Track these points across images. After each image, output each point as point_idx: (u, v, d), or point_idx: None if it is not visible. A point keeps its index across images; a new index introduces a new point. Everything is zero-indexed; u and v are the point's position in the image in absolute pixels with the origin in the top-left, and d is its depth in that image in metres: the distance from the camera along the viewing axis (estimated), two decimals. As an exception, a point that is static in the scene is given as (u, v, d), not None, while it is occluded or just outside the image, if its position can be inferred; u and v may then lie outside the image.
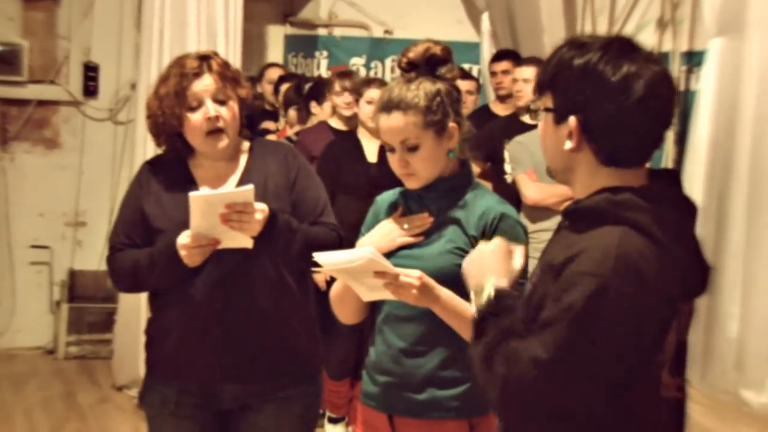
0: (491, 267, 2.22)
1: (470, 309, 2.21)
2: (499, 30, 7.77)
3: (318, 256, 2.62)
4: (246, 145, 3.31)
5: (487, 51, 7.80)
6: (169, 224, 3.13)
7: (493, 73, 6.86)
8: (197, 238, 3.03)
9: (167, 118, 3.14)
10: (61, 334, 7.41)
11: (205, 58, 3.21)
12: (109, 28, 7.68)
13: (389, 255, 2.77)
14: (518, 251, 2.35)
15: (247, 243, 3.06)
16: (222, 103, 3.15)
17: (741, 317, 6.92)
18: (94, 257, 7.60)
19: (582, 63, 2.03)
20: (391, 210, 2.94)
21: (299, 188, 3.25)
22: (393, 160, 2.82)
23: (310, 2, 8.29)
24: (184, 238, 3.05)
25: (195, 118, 3.13)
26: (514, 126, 6.00)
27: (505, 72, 6.63)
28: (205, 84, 3.15)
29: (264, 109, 7.15)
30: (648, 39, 8.30)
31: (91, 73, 7.73)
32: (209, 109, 3.12)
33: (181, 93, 3.13)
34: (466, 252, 2.59)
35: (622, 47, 2.06)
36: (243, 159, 3.27)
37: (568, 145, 2.06)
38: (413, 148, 2.77)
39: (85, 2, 7.67)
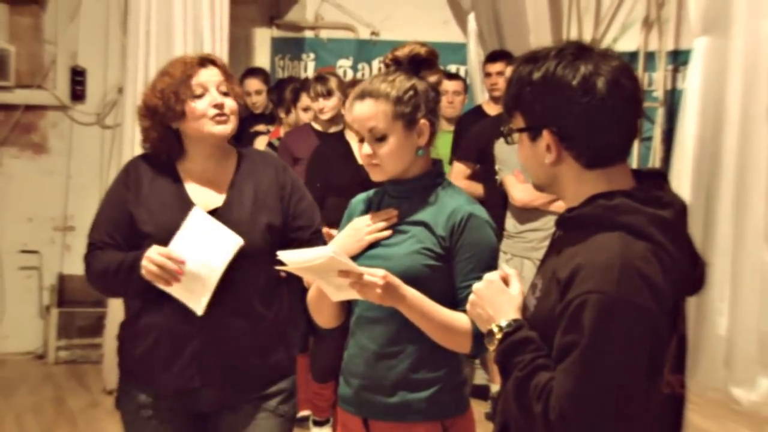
0: (493, 307, 2.18)
1: (438, 309, 2.70)
2: (486, 31, 7.79)
3: (282, 255, 2.62)
4: (235, 152, 3.29)
5: (474, 52, 7.82)
6: (156, 229, 3.11)
7: (487, 74, 6.88)
8: (167, 253, 3.03)
9: (170, 107, 3.12)
10: (50, 338, 7.40)
11: (206, 56, 3.26)
12: (95, 32, 7.68)
13: (358, 256, 2.80)
14: (512, 277, 2.25)
15: (197, 309, 3.10)
16: (225, 95, 3.17)
17: (729, 315, 6.95)
18: (82, 261, 7.57)
19: (540, 75, 2.04)
20: (364, 211, 2.94)
21: (295, 200, 3.24)
22: (361, 150, 2.83)
23: (296, 5, 8.30)
24: (153, 251, 3.04)
25: (200, 104, 3.12)
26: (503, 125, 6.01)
27: (500, 73, 6.65)
28: (211, 73, 3.17)
29: (254, 114, 7.15)
30: (633, 39, 8.34)
31: (78, 77, 7.72)
32: (215, 96, 3.14)
33: (186, 81, 3.12)
34: (434, 252, 2.76)
35: (575, 51, 2.07)
36: (232, 164, 3.25)
37: (549, 158, 2.07)
38: (381, 138, 2.77)
39: (71, 6, 7.67)
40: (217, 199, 3.18)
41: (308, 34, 8.20)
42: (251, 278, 3.13)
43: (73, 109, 7.75)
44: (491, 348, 2.13)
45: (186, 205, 3.14)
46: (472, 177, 6.39)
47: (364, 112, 2.78)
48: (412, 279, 2.71)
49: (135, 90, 6.36)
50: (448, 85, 6.90)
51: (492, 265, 2.75)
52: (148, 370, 3.18)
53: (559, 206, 5.42)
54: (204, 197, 3.18)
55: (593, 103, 2.02)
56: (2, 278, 7.58)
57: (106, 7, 7.65)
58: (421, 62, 2.88)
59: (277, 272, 2.97)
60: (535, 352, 2.04)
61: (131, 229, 3.16)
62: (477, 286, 2.22)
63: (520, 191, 5.57)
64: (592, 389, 1.93)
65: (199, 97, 3.13)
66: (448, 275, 2.78)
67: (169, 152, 3.20)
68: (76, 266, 7.56)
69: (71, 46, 7.70)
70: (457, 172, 6.44)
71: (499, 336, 2.11)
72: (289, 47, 8.11)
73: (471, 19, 7.90)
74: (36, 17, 7.66)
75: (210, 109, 3.12)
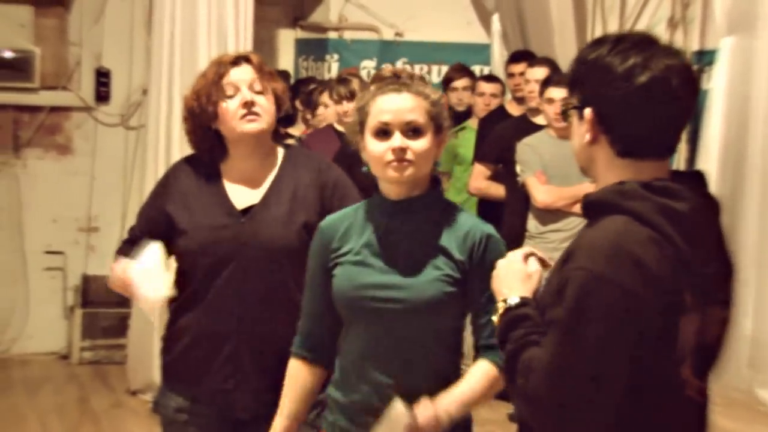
0: (507, 284, 2.21)
1: (474, 388, 2.61)
2: (510, 31, 7.76)
3: None
4: (281, 151, 3.29)
5: (498, 52, 7.80)
6: (192, 226, 3.13)
7: (510, 75, 6.87)
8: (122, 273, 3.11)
9: (203, 108, 3.15)
10: (75, 339, 7.43)
11: (243, 55, 3.27)
12: (120, 33, 7.70)
13: (370, 287, 2.63)
14: (533, 257, 2.29)
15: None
16: (259, 93, 3.16)
17: (754, 315, 6.90)
18: (107, 262, 7.57)
19: (593, 57, 2.08)
20: (344, 235, 2.71)
21: (337, 199, 3.19)
22: (384, 146, 2.60)
23: (320, 6, 8.30)
24: (119, 266, 3.13)
25: (231, 104, 3.13)
26: (525, 127, 5.99)
27: (522, 74, 6.63)
28: (242, 72, 3.17)
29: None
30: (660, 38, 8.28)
31: (102, 78, 7.75)
32: (246, 94, 3.13)
33: (218, 81, 3.15)
34: (453, 278, 2.61)
35: (636, 41, 2.09)
36: (276, 164, 3.25)
37: (587, 137, 2.10)
38: (417, 132, 2.61)
39: (96, 8, 7.70)
40: (255, 197, 3.19)
41: (332, 35, 8.20)
42: (288, 277, 3.12)
43: (98, 111, 7.78)
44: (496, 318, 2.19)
45: (225, 203, 3.15)
46: (493, 178, 6.38)
47: (403, 104, 2.63)
48: (432, 308, 2.61)
49: (159, 91, 6.38)
50: (486, 87, 6.90)
51: None
52: (185, 371, 3.20)
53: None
54: (242, 195, 3.19)
55: (630, 92, 2.03)
56: (27, 279, 7.61)
57: (131, 8, 7.67)
58: None
59: None
60: (529, 328, 2.06)
61: (168, 226, 3.18)
62: (500, 262, 2.28)
63: (542, 192, 5.55)
64: (565, 365, 1.94)
65: (231, 96, 3.14)
66: (462, 298, 2.64)
67: (210, 153, 3.21)
68: (100, 267, 7.60)
69: (96, 47, 7.73)
70: (478, 173, 6.42)
71: (501, 311, 2.16)
72: (312, 48, 8.12)
73: (495, 19, 7.88)
74: (61, 19, 7.70)
75: (240, 108, 3.13)
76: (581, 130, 2.12)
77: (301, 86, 6.95)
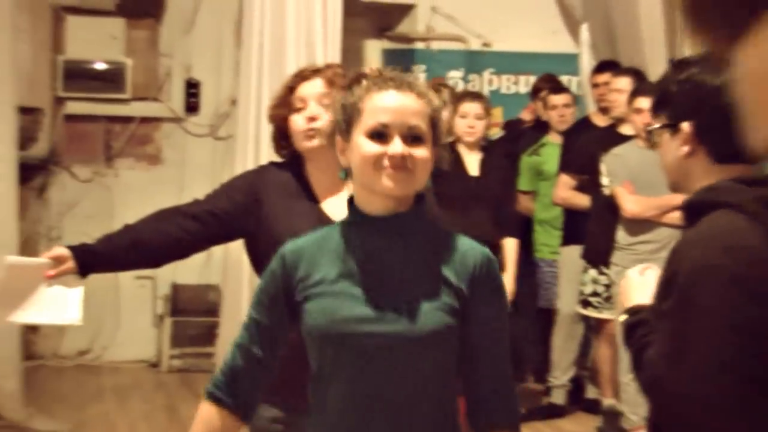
0: (627, 298, 2.36)
1: None
2: (599, 41, 7.69)
3: None
4: None
5: (587, 62, 7.73)
6: (290, 234, 3.06)
7: (594, 85, 6.81)
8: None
9: (277, 119, 3.17)
10: (164, 347, 7.53)
11: (318, 68, 3.25)
12: (209, 45, 7.80)
13: (354, 321, 2.25)
14: (651, 268, 2.39)
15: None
16: (328, 107, 3.15)
17: None
18: (195, 271, 7.69)
19: (684, 77, 2.25)
20: (313, 255, 2.33)
21: None
22: (380, 149, 2.24)
23: (407, 17, 8.30)
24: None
25: (298, 118, 3.13)
26: (611, 137, 5.93)
27: (607, 83, 6.57)
28: (312, 86, 3.15)
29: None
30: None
31: (192, 89, 7.85)
32: (312, 109, 3.12)
33: (288, 94, 3.15)
34: (454, 309, 2.25)
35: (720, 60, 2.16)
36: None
37: (683, 150, 2.23)
38: (419, 139, 2.25)
39: (186, 20, 7.80)
40: (343, 207, 3.16)
41: (419, 45, 8.20)
42: None
43: (187, 121, 7.87)
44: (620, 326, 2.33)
45: (317, 213, 3.10)
46: (578, 188, 6.32)
47: (408, 105, 2.26)
48: (432, 343, 2.24)
49: (248, 102, 6.43)
50: (556, 100, 6.83)
51: (506, 319, 2.35)
52: (282, 382, 3.16)
53: (671, 218, 5.33)
54: (333, 206, 3.13)
55: (728, 103, 2.07)
56: (118, 287, 7.72)
57: (220, 20, 7.76)
58: None
59: None
60: (646, 330, 2.17)
61: (238, 224, 3.15)
62: (621, 282, 2.42)
63: (631, 202, 5.48)
64: (675, 356, 2.00)
65: (299, 110, 3.13)
66: (459, 332, 2.28)
67: (291, 161, 3.21)
68: (189, 276, 7.69)
69: (186, 58, 7.83)
70: (563, 184, 6.37)
71: (622, 318, 2.31)
72: (399, 59, 8.12)
73: (584, 29, 7.81)
74: (152, 31, 7.82)
75: (303, 123, 3.12)
76: (675, 146, 2.25)
77: None
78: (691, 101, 2.24)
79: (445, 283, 2.26)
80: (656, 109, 2.34)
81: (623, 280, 2.43)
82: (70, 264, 3.12)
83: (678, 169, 2.28)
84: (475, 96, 6.17)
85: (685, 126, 2.23)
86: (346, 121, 2.30)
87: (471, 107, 5.87)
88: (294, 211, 3.12)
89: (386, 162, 2.22)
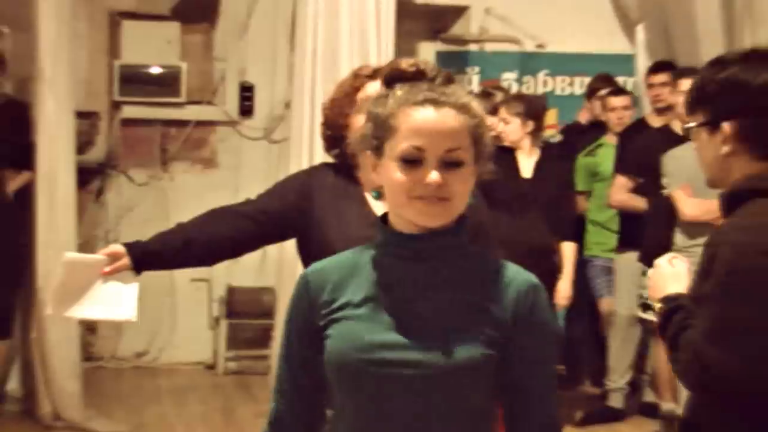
0: (659, 288, 2.39)
1: None
2: (654, 41, 7.62)
3: None
4: None
5: (642, 63, 7.66)
6: (339, 236, 3.02)
7: (650, 86, 6.75)
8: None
9: (335, 119, 3.15)
10: (220, 349, 7.57)
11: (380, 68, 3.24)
12: (263, 48, 7.83)
13: (379, 347, 1.99)
14: (679, 257, 2.45)
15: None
16: None
17: None
18: (250, 274, 7.73)
19: (724, 75, 2.29)
20: (337, 285, 2.08)
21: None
22: (413, 177, 1.98)
23: (460, 18, 8.28)
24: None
25: (359, 120, 3.12)
26: (668, 138, 5.87)
27: (663, 84, 6.51)
28: (376, 87, 3.14)
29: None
30: (811, 46, 8.02)
31: (246, 93, 7.88)
32: None
33: (352, 94, 3.14)
34: (494, 340, 2.00)
35: (761, 57, 2.32)
36: None
37: (725, 150, 2.28)
38: (457, 164, 1.99)
39: (240, 24, 7.84)
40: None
41: (472, 47, 8.18)
42: None
43: (242, 124, 7.91)
44: (652, 317, 2.39)
45: (369, 214, 3.03)
46: (635, 190, 6.27)
47: (446, 123, 1.98)
48: (467, 375, 1.99)
49: (302, 105, 6.45)
50: (616, 102, 6.78)
51: (554, 353, 2.10)
52: None
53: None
54: (382, 207, 3.14)
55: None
56: (174, 290, 7.78)
57: (274, 24, 7.78)
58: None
59: None
60: (686, 313, 2.23)
61: (290, 224, 3.15)
62: (649, 272, 2.44)
63: (689, 206, 5.42)
64: (717, 338, 2.10)
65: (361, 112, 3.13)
66: (499, 365, 2.03)
67: (344, 161, 3.17)
68: (244, 279, 7.73)
69: (240, 62, 7.87)
70: (619, 186, 6.32)
71: (658, 307, 2.34)
72: (453, 61, 8.11)
73: (639, 29, 7.74)
74: (206, 35, 7.87)
75: None
76: (714, 144, 2.31)
77: None
78: (734, 101, 2.28)
79: (485, 311, 2.02)
80: (693, 107, 2.36)
81: (652, 271, 2.44)
82: (125, 261, 3.15)
83: (718, 167, 2.33)
84: (508, 99, 6.18)
85: (727, 126, 2.28)
86: (377, 137, 2.04)
87: (514, 107, 5.92)
88: (344, 213, 3.11)
89: (420, 191, 1.97)
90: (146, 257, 3.19)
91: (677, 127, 6.02)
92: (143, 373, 7.51)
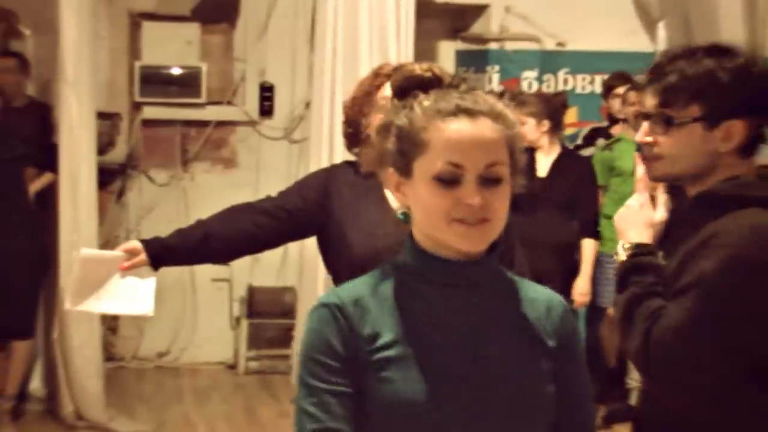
0: (633, 221, 2.35)
1: None
2: (676, 39, 7.59)
3: None
4: None
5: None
6: (356, 231, 3.08)
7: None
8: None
9: (356, 118, 3.16)
10: (241, 349, 7.58)
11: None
12: (283, 48, 7.84)
13: (445, 398, 1.78)
14: (661, 199, 2.38)
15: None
16: None
17: None
18: (271, 273, 7.74)
19: (732, 67, 2.21)
20: (384, 312, 1.82)
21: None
22: (450, 198, 1.79)
23: (480, 17, 8.27)
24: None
25: (378, 120, 3.12)
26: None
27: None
28: None
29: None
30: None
31: (266, 93, 7.89)
32: None
33: (372, 93, 3.15)
34: (552, 373, 1.85)
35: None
36: None
37: (726, 146, 2.22)
38: (497, 180, 1.81)
39: (260, 25, 7.86)
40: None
41: (493, 46, 8.17)
42: None
43: (262, 124, 7.93)
44: (619, 258, 2.30)
45: (387, 209, 3.07)
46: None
47: (485, 136, 1.79)
48: (538, 420, 1.84)
49: (321, 104, 6.47)
50: (636, 97, 6.75)
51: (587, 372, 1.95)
52: None
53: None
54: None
55: None
56: (195, 290, 7.81)
57: (294, 24, 7.80)
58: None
59: None
60: (658, 278, 2.20)
61: (310, 222, 3.16)
62: (629, 203, 2.38)
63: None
64: (694, 332, 2.09)
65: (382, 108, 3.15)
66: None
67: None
68: (264, 278, 7.75)
69: (260, 62, 7.89)
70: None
71: (629, 252, 2.28)
72: (473, 60, 8.10)
73: (661, 27, 7.72)
74: (226, 36, 7.88)
75: None
76: (711, 141, 2.22)
77: None
78: (745, 98, 2.21)
79: (539, 342, 1.85)
80: (685, 99, 2.23)
81: (624, 208, 2.39)
82: (143, 256, 3.18)
83: (704, 164, 2.24)
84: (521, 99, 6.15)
85: (735, 124, 2.22)
86: (402, 152, 1.83)
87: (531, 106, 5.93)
88: (364, 211, 3.12)
89: (460, 214, 1.78)
90: (164, 252, 3.21)
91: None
92: (165, 373, 7.54)
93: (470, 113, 1.80)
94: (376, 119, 3.02)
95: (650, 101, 2.26)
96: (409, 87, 1.92)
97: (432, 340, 1.80)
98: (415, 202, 1.83)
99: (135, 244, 3.22)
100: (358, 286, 1.86)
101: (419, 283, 1.84)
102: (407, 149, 1.82)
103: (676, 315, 2.11)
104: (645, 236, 2.31)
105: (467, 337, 1.81)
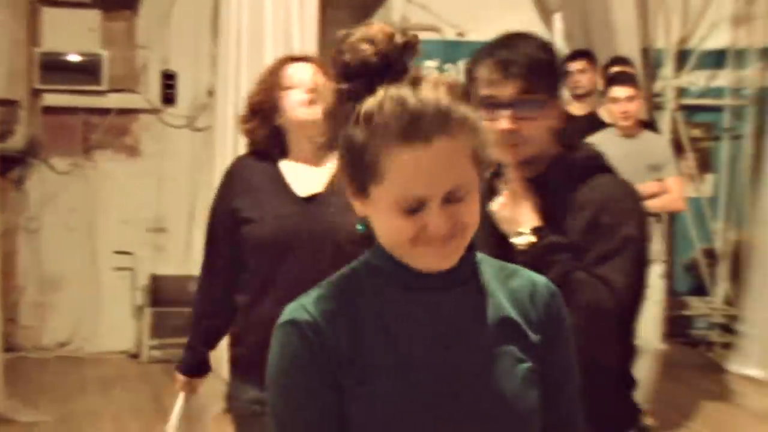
0: (517, 210, 2.48)
1: None
2: (573, 31, 7.77)
3: None
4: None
5: (561, 52, 7.81)
6: (258, 215, 3.18)
7: (568, 73, 6.86)
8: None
9: (264, 103, 3.25)
10: (144, 338, 7.56)
11: (304, 56, 3.38)
12: (186, 36, 7.82)
13: (427, 414, 1.66)
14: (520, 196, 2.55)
15: None
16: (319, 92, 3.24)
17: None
18: (174, 262, 7.74)
19: (548, 54, 2.47)
20: (361, 324, 1.67)
21: None
22: (413, 222, 1.62)
23: (382, 7, 8.34)
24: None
25: (292, 94, 3.23)
26: (593, 125, 6.00)
27: (582, 71, 6.64)
28: (303, 67, 3.28)
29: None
30: (723, 36, 8.25)
31: (169, 81, 7.86)
32: (306, 85, 3.23)
33: (279, 74, 3.26)
34: (538, 372, 1.73)
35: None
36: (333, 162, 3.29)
37: (558, 122, 2.49)
38: (459, 199, 1.62)
39: (163, 11, 7.82)
40: (317, 186, 3.23)
41: (395, 35, 8.23)
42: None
43: (165, 113, 7.90)
44: (522, 244, 2.41)
45: (288, 192, 3.21)
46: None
47: (446, 158, 1.61)
48: (519, 412, 1.71)
49: (226, 93, 6.47)
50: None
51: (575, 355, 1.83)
52: (259, 362, 3.20)
53: (654, 206, 5.45)
54: (305, 184, 3.24)
55: None
56: (98, 278, 7.76)
57: (197, 12, 7.78)
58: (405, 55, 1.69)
59: None
60: (571, 252, 2.38)
61: (234, 222, 3.23)
62: (500, 203, 2.47)
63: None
64: (632, 289, 2.37)
65: (291, 88, 3.24)
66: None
67: (273, 149, 3.28)
68: (168, 267, 7.74)
69: (162, 50, 7.85)
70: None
71: (534, 236, 2.41)
72: (375, 49, 8.16)
73: (557, 18, 7.89)
74: (128, 23, 7.83)
75: (300, 97, 3.22)
76: (548, 119, 2.46)
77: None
78: (556, 78, 2.51)
79: (521, 340, 1.73)
80: (540, 83, 2.46)
81: (503, 205, 2.48)
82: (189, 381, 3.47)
83: (547, 140, 2.50)
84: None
85: (558, 100, 2.51)
86: (355, 173, 1.67)
87: None
88: (267, 200, 3.22)
89: (426, 239, 1.62)
90: (200, 365, 3.45)
91: (604, 114, 6.16)
92: (67, 363, 7.47)
93: (425, 137, 1.58)
94: (284, 96, 3.21)
95: (512, 89, 2.40)
96: (357, 74, 1.65)
97: (409, 352, 1.66)
98: (375, 220, 1.68)
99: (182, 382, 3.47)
100: (325, 296, 1.70)
101: (391, 287, 1.69)
102: (360, 173, 1.65)
103: (619, 278, 2.34)
104: (535, 219, 2.43)
105: (447, 349, 1.67)
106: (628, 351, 2.53)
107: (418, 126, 1.58)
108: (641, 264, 2.41)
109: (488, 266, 1.76)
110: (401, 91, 1.61)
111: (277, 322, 1.71)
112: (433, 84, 1.63)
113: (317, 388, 1.65)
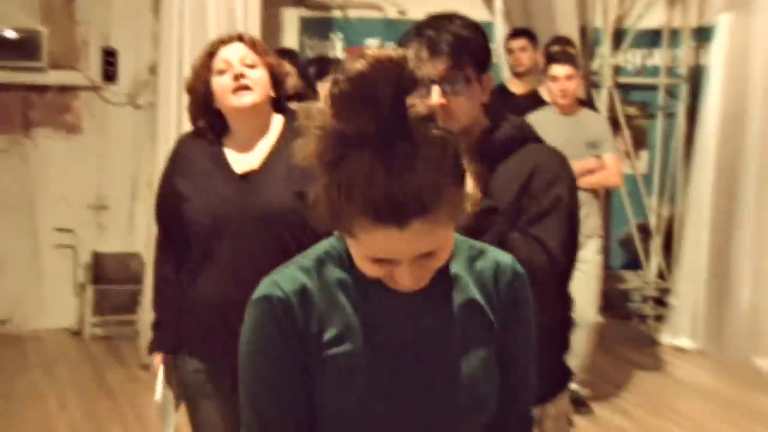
0: None
1: None
2: (512, 9, 7.86)
3: None
4: (281, 119, 3.36)
5: (501, 31, 7.91)
6: (194, 192, 3.24)
7: (510, 51, 6.96)
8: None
9: (198, 87, 3.28)
10: (86, 315, 7.56)
11: (235, 35, 3.39)
12: (127, 12, 7.77)
13: (391, 396, 1.70)
14: None
15: None
16: (250, 67, 3.27)
17: (753, 285, 7.04)
18: (116, 240, 7.74)
19: (474, 30, 2.63)
20: (330, 306, 1.70)
21: None
22: (389, 271, 1.63)
23: (323, -15, 8.37)
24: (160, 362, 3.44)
25: (222, 80, 3.25)
26: (534, 102, 6.10)
27: (522, 49, 6.74)
28: (233, 48, 3.29)
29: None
30: (658, 16, 8.40)
31: (109, 58, 7.82)
32: (236, 69, 3.24)
33: (209, 59, 3.28)
34: (494, 353, 1.77)
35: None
36: (277, 133, 3.32)
37: (485, 98, 2.64)
38: (434, 253, 1.61)
39: (103, -13, 7.77)
40: (254, 163, 3.27)
41: (336, 13, 8.29)
42: (288, 240, 3.16)
43: (105, 90, 7.86)
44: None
45: (225, 169, 3.25)
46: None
47: (419, 235, 1.55)
48: (484, 407, 1.76)
49: (168, 70, 6.49)
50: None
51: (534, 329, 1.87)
52: (201, 335, 3.28)
53: (586, 182, 5.56)
54: (242, 162, 3.28)
55: None
56: (39, 257, 7.73)
57: (138, -12, 7.74)
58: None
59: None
60: (505, 218, 2.54)
61: (175, 200, 3.29)
62: None
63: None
64: (564, 247, 2.55)
65: (222, 72, 3.25)
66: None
67: (210, 128, 3.32)
68: (110, 244, 7.73)
69: (103, 26, 7.80)
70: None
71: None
72: (317, 27, 8.21)
73: (498, -2, 7.98)
74: (68, -2, 7.77)
75: (231, 82, 3.24)
76: (481, 92, 2.61)
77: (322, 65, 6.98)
78: (486, 52, 2.66)
79: (487, 329, 1.77)
80: (457, 65, 2.58)
81: None
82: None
83: (478, 112, 2.64)
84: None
85: (486, 76, 2.65)
86: (332, 209, 1.57)
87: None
88: (207, 180, 3.27)
89: (395, 281, 1.64)
90: (171, 339, 3.42)
91: (544, 93, 6.26)
92: (7, 341, 7.43)
93: (399, 219, 1.51)
94: (219, 82, 3.24)
95: (440, 66, 2.54)
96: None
97: (377, 334, 1.70)
98: (352, 252, 1.66)
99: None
100: (298, 274, 1.72)
101: (359, 277, 1.69)
102: (336, 215, 1.58)
103: (552, 237, 2.52)
104: (473, 188, 2.58)
105: (414, 332, 1.71)
106: (563, 312, 2.69)
107: (393, 209, 1.51)
108: (572, 223, 2.57)
109: (457, 248, 1.75)
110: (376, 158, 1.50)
111: (251, 297, 1.73)
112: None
113: (289, 363, 1.67)
